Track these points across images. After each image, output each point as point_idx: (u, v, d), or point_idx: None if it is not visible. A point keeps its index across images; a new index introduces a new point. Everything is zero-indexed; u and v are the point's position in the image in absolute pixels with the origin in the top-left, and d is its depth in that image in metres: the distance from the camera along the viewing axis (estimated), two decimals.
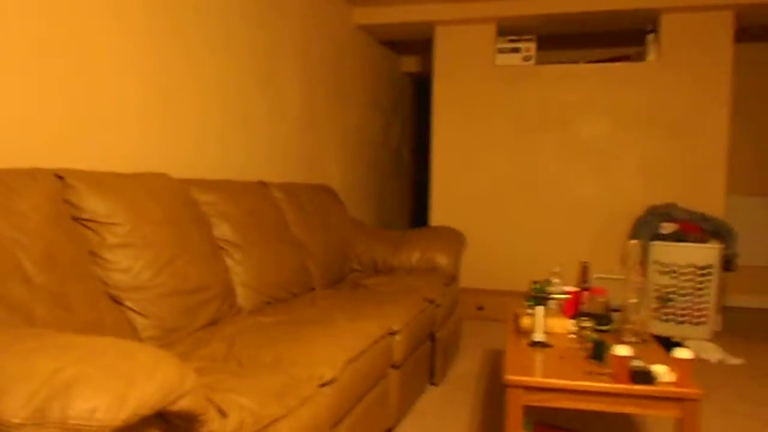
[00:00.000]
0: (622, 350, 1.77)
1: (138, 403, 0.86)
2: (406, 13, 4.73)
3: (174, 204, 2.19)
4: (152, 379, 0.90)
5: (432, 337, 3.07)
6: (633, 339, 2.15)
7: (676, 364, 1.77)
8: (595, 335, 2.20)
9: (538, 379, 1.80)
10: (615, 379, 1.77)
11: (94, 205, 1.89)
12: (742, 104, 5.32)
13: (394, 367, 2.41)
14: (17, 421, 0.76)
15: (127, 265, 1.90)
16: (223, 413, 1.26)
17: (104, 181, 1.97)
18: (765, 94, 5.30)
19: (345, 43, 4.63)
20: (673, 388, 1.72)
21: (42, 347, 0.88)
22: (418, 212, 6.97)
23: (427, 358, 2.98)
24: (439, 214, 4.94)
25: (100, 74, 2.27)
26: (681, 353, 1.75)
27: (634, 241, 2.14)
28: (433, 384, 3.13)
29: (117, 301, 1.85)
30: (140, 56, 2.46)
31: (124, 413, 0.83)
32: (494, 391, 3.03)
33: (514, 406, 1.81)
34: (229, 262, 2.47)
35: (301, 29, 3.86)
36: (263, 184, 3.10)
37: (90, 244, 1.86)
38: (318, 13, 4.12)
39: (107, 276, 1.86)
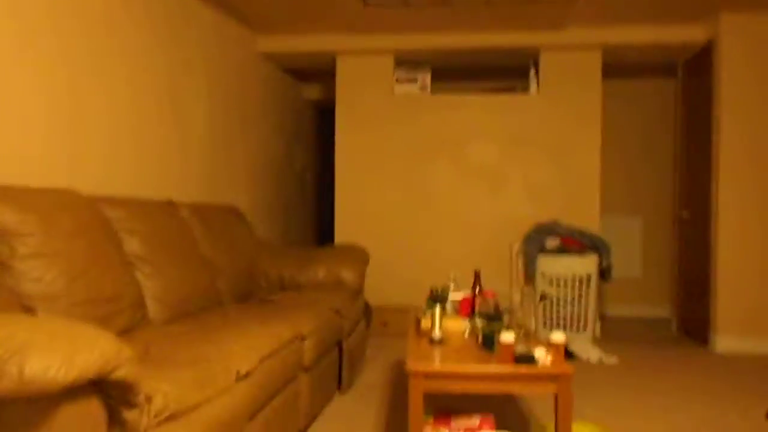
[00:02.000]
0: (507, 337, 2.02)
1: (84, 367, 0.96)
2: (308, 43, 4.95)
3: (84, 218, 2.23)
4: (94, 347, 1.01)
5: (339, 346, 3.22)
6: (518, 330, 2.41)
7: (551, 347, 2.04)
8: (486, 329, 2.44)
9: (436, 367, 2.00)
10: (502, 362, 2.01)
11: (5, 216, 1.91)
12: (612, 133, 5.96)
13: (305, 370, 2.54)
14: None
15: (38, 274, 1.93)
16: (147, 397, 1.35)
17: (13, 194, 1.99)
18: (632, 124, 5.97)
19: (249, 69, 4.77)
20: (549, 368, 1.98)
21: None
22: (323, 233, 7.13)
23: (335, 366, 3.13)
24: (343, 234, 5.13)
25: (3, 89, 2.28)
26: (555, 337, 2.03)
27: (516, 244, 2.42)
28: (341, 392, 3.27)
29: (30, 311, 1.87)
30: (47, 74, 2.49)
31: (73, 374, 0.94)
32: (399, 398, 3.21)
33: (416, 393, 2.00)
34: (139, 276, 2.52)
35: (207, 53, 3.97)
36: (171, 204, 3.16)
37: (1, 255, 1.88)
38: (223, 39, 4.24)
39: (19, 286, 1.89)
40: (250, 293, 3.58)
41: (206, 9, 3.96)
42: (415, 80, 5.05)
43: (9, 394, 0.88)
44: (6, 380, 0.86)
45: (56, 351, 0.94)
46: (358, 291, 3.75)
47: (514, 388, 2.00)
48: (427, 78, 5.05)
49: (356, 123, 5.13)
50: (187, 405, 1.44)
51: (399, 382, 3.50)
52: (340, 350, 3.24)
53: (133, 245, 2.54)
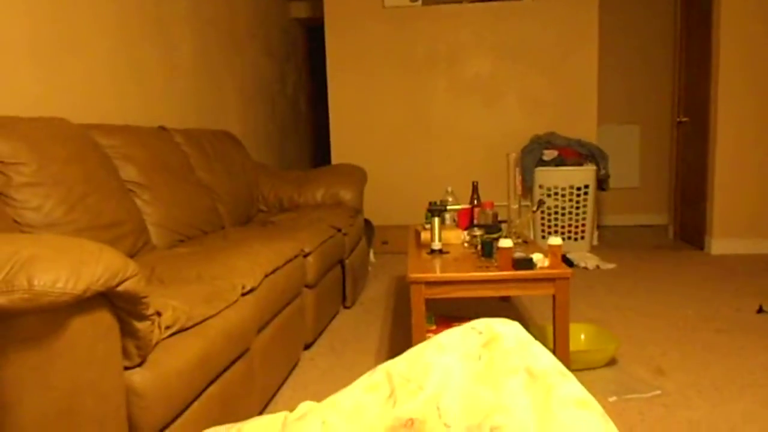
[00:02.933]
0: (505, 243, 2.05)
1: (91, 279, 0.99)
2: None
3: (78, 145, 2.21)
4: (100, 261, 1.03)
5: (342, 263, 3.28)
6: (516, 239, 2.46)
7: (549, 251, 2.08)
8: (484, 238, 2.48)
9: (436, 275, 2.05)
10: (501, 267, 2.05)
11: None
12: (609, 42, 5.82)
13: (308, 286, 2.60)
14: None
15: (37, 203, 1.94)
16: (158, 312, 1.39)
17: (3, 123, 1.97)
18: (629, 32, 5.81)
19: None
20: (548, 270, 2.02)
21: None
22: (319, 155, 7.10)
23: (339, 282, 3.20)
24: (339, 156, 5.11)
25: None
26: (553, 240, 2.06)
27: (513, 154, 2.42)
28: (345, 307, 3.36)
29: None
30: (32, 2, 2.40)
31: (81, 285, 0.96)
32: (402, 309, 3.30)
33: (417, 300, 2.05)
34: (138, 202, 2.52)
35: None
36: (164, 130, 3.12)
37: None
38: None
39: (19, 215, 1.90)
40: (251, 216, 3.60)
41: None
42: None
43: (21, 308, 0.91)
44: (17, 293, 0.88)
45: (63, 264, 0.96)
46: (357, 209, 3.77)
47: (513, 291, 2.05)
48: None
49: (347, 40, 4.99)
50: (196, 318, 1.49)
51: (401, 294, 3.59)
52: (343, 267, 3.30)
53: (129, 172, 2.54)
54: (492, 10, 4.85)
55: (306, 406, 1.04)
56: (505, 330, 0.92)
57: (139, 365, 1.23)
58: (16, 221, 1.89)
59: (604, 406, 2.00)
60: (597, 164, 4.61)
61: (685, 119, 4.96)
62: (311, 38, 6.87)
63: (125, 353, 1.19)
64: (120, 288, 1.07)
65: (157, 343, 1.31)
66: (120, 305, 1.13)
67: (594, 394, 2.11)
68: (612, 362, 2.39)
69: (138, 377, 1.21)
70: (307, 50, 6.79)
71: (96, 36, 2.87)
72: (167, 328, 1.38)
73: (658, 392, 2.09)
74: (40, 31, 2.49)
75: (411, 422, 0.82)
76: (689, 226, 4.92)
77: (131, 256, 2.25)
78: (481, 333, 0.93)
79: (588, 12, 4.76)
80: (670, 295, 3.34)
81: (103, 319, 1.09)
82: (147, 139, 2.76)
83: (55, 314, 0.98)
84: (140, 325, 1.18)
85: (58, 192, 1.99)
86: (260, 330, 1.98)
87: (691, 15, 4.80)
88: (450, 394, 0.82)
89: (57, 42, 2.59)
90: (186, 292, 1.61)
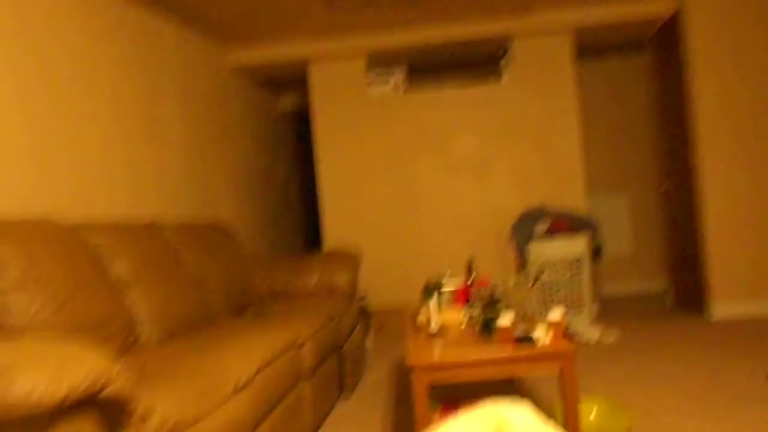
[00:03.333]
0: (505, 320, 2.00)
1: (71, 386, 0.93)
2: (278, 53, 4.92)
3: (66, 246, 2.19)
4: (82, 365, 0.97)
5: (338, 351, 3.19)
6: (515, 315, 2.40)
7: (550, 327, 2.03)
8: (483, 316, 2.42)
9: (437, 359, 1.98)
10: (502, 346, 1.99)
11: None
12: (592, 113, 5.99)
13: (305, 377, 2.51)
14: None
15: (23, 307, 1.89)
16: (144, 414, 1.32)
17: None
18: (610, 102, 6.00)
19: (222, 85, 4.73)
20: (551, 347, 1.96)
21: None
22: (311, 241, 7.09)
23: (336, 371, 3.09)
24: (332, 240, 5.10)
25: None
26: (553, 315, 2.01)
27: (508, 233, 2.40)
28: (344, 396, 3.23)
29: None
30: (18, 101, 2.45)
31: (61, 393, 0.91)
32: (403, 396, 3.18)
33: (420, 387, 1.97)
34: (128, 299, 2.47)
35: (179, 72, 3.93)
36: (154, 226, 3.11)
37: None
38: (194, 58, 4.21)
39: (4, 319, 1.84)
40: (244, 307, 3.53)
41: (169, 25, 3.92)
42: (387, 81, 5.04)
43: None
44: None
45: (42, 371, 0.91)
46: (352, 295, 3.72)
47: (517, 371, 1.98)
48: (400, 78, 5.04)
49: (334, 129, 5.10)
50: (186, 420, 1.41)
51: (402, 380, 3.47)
52: (340, 355, 3.21)
53: (119, 270, 2.50)
54: (472, 93, 5.00)
55: None
56: (515, 415, 0.86)
57: None
58: (1, 324, 1.83)
59: None
60: (589, 234, 4.62)
61: (669, 185, 5.02)
62: (300, 126, 7.03)
63: None
64: (104, 393, 1.02)
65: None
66: (106, 411, 1.07)
67: None
68: None
69: None
70: (296, 139, 6.93)
71: (91, 133, 2.92)
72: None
73: None
74: (33, 128, 2.52)
75: None
76: (687, 291, 4.88)
77: (121, 354, 2.18)
78: (489, 419, 0.87)
79: (564, 84, 4.91)
80: (676, 365, 3.25)
81: (86, 428, 1.02)
82: (137, 236, 2.74)
83: (37, 423, 0.91)
84: None
85: (44, 294, 1.94)
86: (256, 426, 1.88)
87: (669, 78, 4.96)
88: None
89: (53, 139, 2.62)
90: (176, 391, 1.53)
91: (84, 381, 0.96)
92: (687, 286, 4.89)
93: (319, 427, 2.76)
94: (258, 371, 1.93)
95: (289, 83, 5.94)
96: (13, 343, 0.96)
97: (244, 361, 1.89)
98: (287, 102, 6.34)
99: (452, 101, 5.02)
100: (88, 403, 1.03)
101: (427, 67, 5.73)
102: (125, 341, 2.21)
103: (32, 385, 0.87)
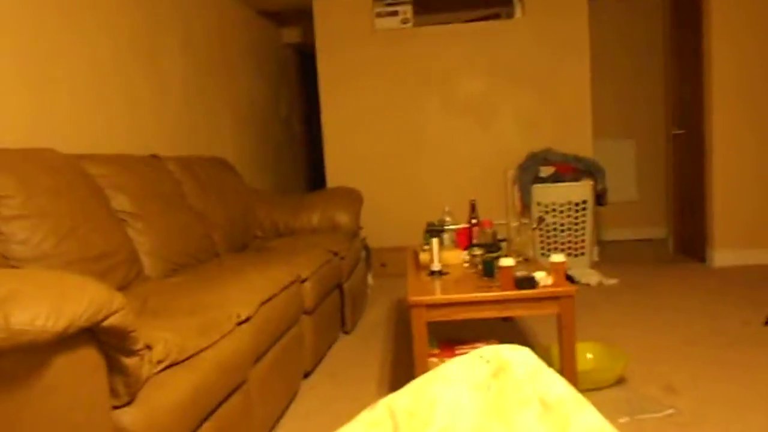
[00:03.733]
0: (507, 261, 2.00)
1: (73, 315, 0.93)
2: None
3: (67, 176, 2.17)
4: (83, 295, 0.97)
5: (340, 288, 3.22)
6: (517, 257, 2.40)
7: (552, 268, 2.03)
8: (485, 257, 2.43)
9: (437, 297, 1.99)
10: (503, 287, 2.00)
11: None
12: (602, 56, 5.83)
13: (307, 313, 2.54)
14: None
15: (25, 236, 1.88)
16: (148, 346, 1.33)
17: None
18: (621, 46, 5.83)
19: (225, 14, 4.59)
20: (551, 289, 1.97)
21: None
22: (314, 179, 7.07)
23: (337, 307, 3.13)
24: (335, 179, 5.07)
25: None
26: (555, 258, 2.01)
27: (511, 171, 2.38)
28: (345, 332, 3.29)
29: None
30: (17, 30, 2.38)
31: (62, 323, 0.91)
32: (403, 333, 3.23)
33: (419, 324, 1.99)
34: (130, 232, 2.47)
35: (178, 2, 3.80)
36: (156, 158, 3.08)
37: None
38: None
39: (6, 249, 1.84)
40: (246, 243, 3.55)
41: None
42: (396, 13, 4.88)
43: None
44: None
45: (43, 300, 0.90)
46: (354, 233, 3.72)
47: (517, 312, 1.99)
48: (409, 10, 4.88)
49: (339, 64, 4.98)
50: (189, 351, 1.43)
51: (402, 318, 3.52)
52: (341, 292, 3.24)
53: (121, 202, 2.49)
54: (483, 29, 4.85)
55: None
56: (515, 357, 0.86)
57: (129, 404, 1.17)
58: (3, 256, 1.83)
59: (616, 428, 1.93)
60: (594, 179, 4.58)
61: (680, 131, 4.94)
62: (303, 63, 6.88)
63: (113, 392, 1.13)
64: (106, 323, 1.02)
65: (147, 379, 1.25)
66: (107, 341, 1.07)
67: (604, 415, 2.04)
68: (621, 381, 2.32)
69: (127, 417, 1.15)
70: (300, 74, 6.80)
71: (87, 66, 2.85)
72: (158, 362, 1.32)
73: (671, 411, 2.03)
74: (31, 62, 2.46)
75: None
76: (689, 238, 4.88)
77: (123, 287, 2.19)
78: (488, 362, 0.87)
79: (578, 26, 4.76)
80: (675, 311, 3.28)
81: (89, 357, 1.03)
82: (138, 168, 2.72)
83: (36, 353, 0.92)
84: (129, 361, 1.12)
85: (46, 224, 1.93)
86: (257, 360, 1.91)
87: (682, 24, 4.81)
88: (459, 430, 0.76)
89: (48, 73, 2.56)
90: (179, 323, 1.55)
91: (85, 311, 0.95)
92: (689, 233, 4.89)
93: (319, 362, 2.82)
94: (260, 305, 1.94)
95: (293, 16, 5.77)
96: (14, 272, 0.95)
97: (247, 296, 1.90)
98: (292, 35, 6.17)
99: (461, 37, 4.87)
100: (91, 332, 1.04)
101: (436, 1, 5.54)
102: (127, 275, 2.22)
103: (33, 314, 0.87)
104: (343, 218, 3.69)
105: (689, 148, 4.80)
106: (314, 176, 7.09)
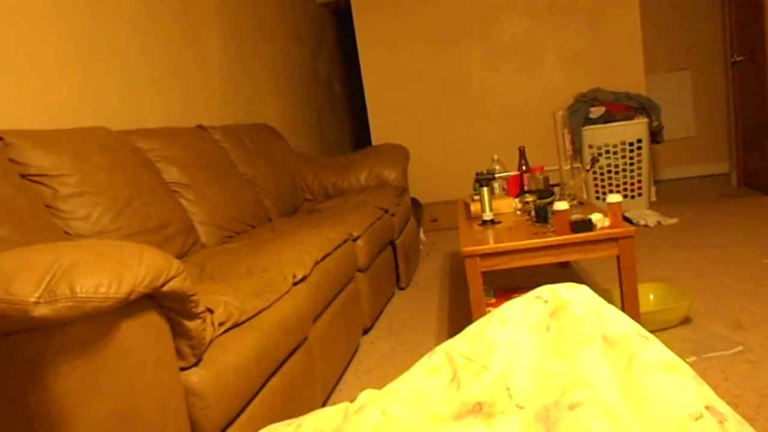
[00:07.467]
0: (561, 205, 1.95)
1: (134, 281, 0.96)
2: None
3: (119, 151, 2.22)
4: (142, 263, 0.99)
5: (392, 244, 3.23)
6: (571, 201, 2.34)
7: (609, 209, 1.96)
8: (538, 203, 2.38)
9: (491, 246, 1.96)
10: (558, 232, 1.95)
11: (39, 160, 1.91)
12: None
13: (361, 270, 2.56)
14: (33, 300, 0.84)
15: (84, 213, 1.95)
16: (209, 309, 1.37)
17: (45, 137, 1.98)
18: None
19: None
20: (609, 230, 1.91)
21: (33, 249, 0.96)
22: (359, 139, 7.05)
23: (391, 264, 3.14)
24: (380, 136, 5.04)
25: (17, 31, 2.23)
26: (612, 198, 1.94)
27: (560, 112, 2.29)
28: (400, 288, 3.31)
29: None
30: (62, 12, 2.41)
31: (125, 289, 0.93)
32: (459, 285, 3.23)
33: (473, 274, 1.98)
34: (183, 203, 2.53)
35: None
36: (202, 128, 3.12)
37: (44, 197, 1.89)
38: None
39: (68, 226, 1.91)
40: (296, 206, 3.59)
41: None
42: None
43: (66, 316, 0.88)
44: (61, 302, 0.86)
45: (104, 268, 0.93)
46: (403, 189, 3.70)
47: (574, 256, 1.95)
48: None
49: (376, 20, 4.89)
50: (249, 312, 1.46)
51: (457, 271, 3.51)
52: (394, 248, 3.25)
53: (172, 173, 2.54)
54: None
55: (366, 396, 0.99)
56: (573, 295, 0.84)
57: (195, 365, 1.20)
58: (66, 232, 1.90)
59: None
60: (649, 116, 4.39)
61: (739, 58, 4.66)
62: (340, 22, 6.79)
63: (179, 354, 1.17)
64: (165, 288, 1.04)
65: (211, 341, 1.29)
66: (168, 306, 1.10)
67: None
68: (686, 321, 2.26)
69: (195, 377, 1.18)
70: (337, 34, 6.72)
71: (131, 40, 2.88)
72: (220, 324, 1.35)
73: (741, 348, 1.96)
74: (86, 47, 2.51)
75: (479, 406, 0.75)
76: (754, 170, 4.65)
77: (181, 256, 2.25)
78: (546, 302, 0.85)
79: None
80: (740, 247, 3.15)
81: (153, 322, 1.06)
82: (186, 139, 2.76)
83: (102, 320, 0.95)
84: (191, 324, 1.15)
85: (103, 199, 1.99)
86: (316, 318, 1.94)
87: None
88: (519, 372, 0.75)
89: (94, 49, 2.60)
90: (237, 286, 1.58)
91: (145, 277, 0.98)
92: (754, 165, 4.66)
93: (377, 318, 2.85)
94: (315, 265, 1.96)
95: None
96: (74, 244, 0.98)
97: (302, 256, 1.93)
98: None
99: None
100: (152, 298, 1.07)
101: None
102: (184, 244, 2.28)
103: (96, 282, 0.89)
104: (390, 175, 3.67)
105: (751, 75, 4.53)
106: (359, 136, 7.07)
